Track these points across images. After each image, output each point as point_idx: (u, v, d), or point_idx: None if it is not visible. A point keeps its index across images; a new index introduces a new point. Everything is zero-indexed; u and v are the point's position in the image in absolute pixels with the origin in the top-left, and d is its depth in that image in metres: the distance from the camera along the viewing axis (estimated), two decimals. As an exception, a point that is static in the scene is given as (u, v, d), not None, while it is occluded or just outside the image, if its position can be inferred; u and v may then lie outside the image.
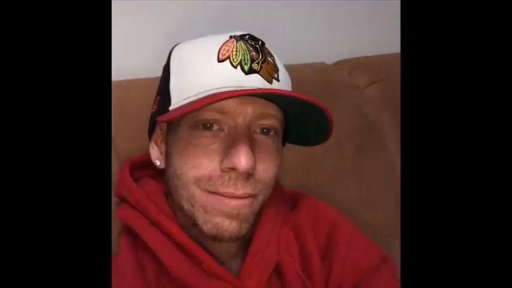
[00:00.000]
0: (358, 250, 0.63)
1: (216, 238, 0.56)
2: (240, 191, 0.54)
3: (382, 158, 0.93)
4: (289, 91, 0.58)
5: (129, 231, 0.60)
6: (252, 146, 0.54)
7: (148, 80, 0.75)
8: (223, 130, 0.55)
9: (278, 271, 0.61)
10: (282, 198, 0.65)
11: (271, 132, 0.57)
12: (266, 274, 0.59)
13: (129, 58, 0.81)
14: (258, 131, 0.56)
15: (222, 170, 0.54)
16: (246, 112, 0.54)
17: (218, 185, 0.54)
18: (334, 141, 0.81)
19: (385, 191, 0.89)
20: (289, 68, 0.61)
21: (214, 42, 0.57)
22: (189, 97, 0.54)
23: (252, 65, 0.55)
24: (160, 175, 0.62)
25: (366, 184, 0.89)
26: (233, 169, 0.53)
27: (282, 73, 0.58)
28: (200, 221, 0.55)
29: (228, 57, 0.55)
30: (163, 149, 0.60)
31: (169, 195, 0.60)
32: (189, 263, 0.56)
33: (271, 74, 0.56)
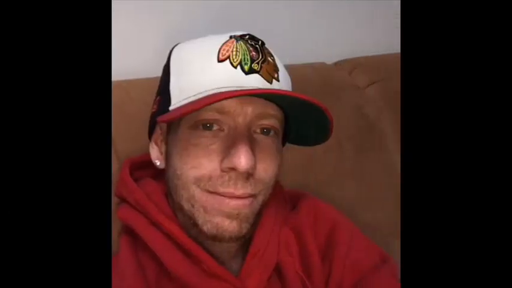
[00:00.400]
0: (358, 250, 0.63)
1: (216, 238, 0.56)
2: (240, 191, 0.54)
3: (382, 158, 0.92)
4: (289, 91, 0.58)
5: (129, 231, 0.60)
6: (252, 146, 0.54)
7: (148, 80, 0.75)
8: (223, 130, 0.55)
9: (278, 271, 0.61)
10: (282, 198, 0.65)
11: (271, 132, 0.57)
12: (266, 274, 0.59)
13: (129, 58, 0.81)
14: (258, 131, 0.56)
15: (222, 170, 0.54)
16: (246, 112, 0.54)
17: (218, 185, 0.54)
18: (334, 141, 0.81)
19: (385, 191, 0.89)
20: (289, 68, 0.61)
21: (214, 42, 0.57)
22: (189, 97, 0.54)
23: (252, 65, 0.55)
24: (160, 175, 0.62)
25: (366, 184, 0.89)
26: (233, 169, 0.53)
27: (282, 73, 0.58)
28: (200, 221, 0.55)
29: (228, 57, 0.55)
30: (163, 149, 0.60)
31: (169, 195, 0.60)
32: (189, 263, 0.56)
33: (271, 74, 0.56)
